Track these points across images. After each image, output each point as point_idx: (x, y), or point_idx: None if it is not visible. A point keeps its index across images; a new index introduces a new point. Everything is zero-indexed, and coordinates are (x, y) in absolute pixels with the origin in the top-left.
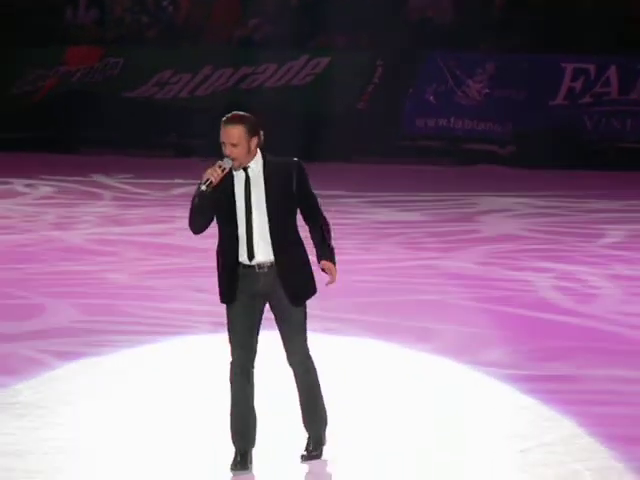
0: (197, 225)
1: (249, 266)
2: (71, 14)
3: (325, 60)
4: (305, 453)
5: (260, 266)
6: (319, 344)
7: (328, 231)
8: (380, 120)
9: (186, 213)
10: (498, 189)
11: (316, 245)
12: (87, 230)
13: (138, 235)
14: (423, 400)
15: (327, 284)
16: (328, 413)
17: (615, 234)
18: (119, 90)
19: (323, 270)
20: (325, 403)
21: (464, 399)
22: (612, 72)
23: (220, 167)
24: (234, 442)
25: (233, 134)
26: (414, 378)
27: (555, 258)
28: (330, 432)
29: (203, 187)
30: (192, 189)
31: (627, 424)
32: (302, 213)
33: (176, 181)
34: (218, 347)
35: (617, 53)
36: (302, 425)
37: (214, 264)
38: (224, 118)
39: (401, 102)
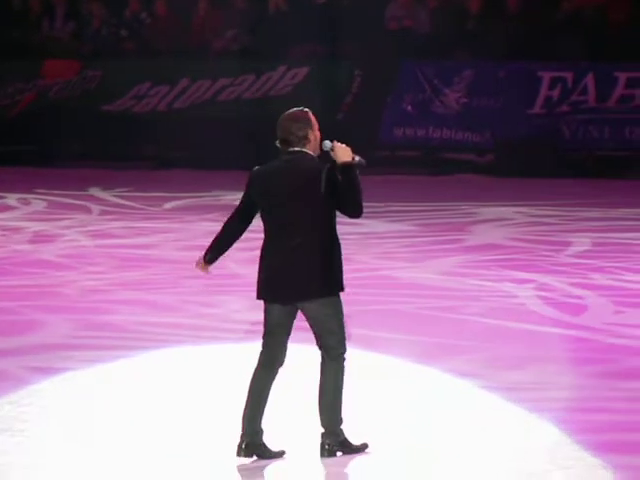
0: None
1: None
2: (48, 27)
3: (303, 70)
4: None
5: None
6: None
7: None
8: (359, 130)
9: (175, 224)
10: (480, 198)
11: None
12: (72, 243)
13: (125, 248)
14: (395, 409)
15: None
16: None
17: (587, 242)
18: (97, 103)
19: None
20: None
21: (443, 409)
22: (589, 80)
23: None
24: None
25: None
26: (379, 386)
27: (526, 267)
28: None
29: (357, 159)
30: (181, 203)
31: (611, 431)
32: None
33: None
34: (200, 359)
35: (594, 61)
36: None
37: (198, 275)
38: (301, 109)
39: (379, 112)
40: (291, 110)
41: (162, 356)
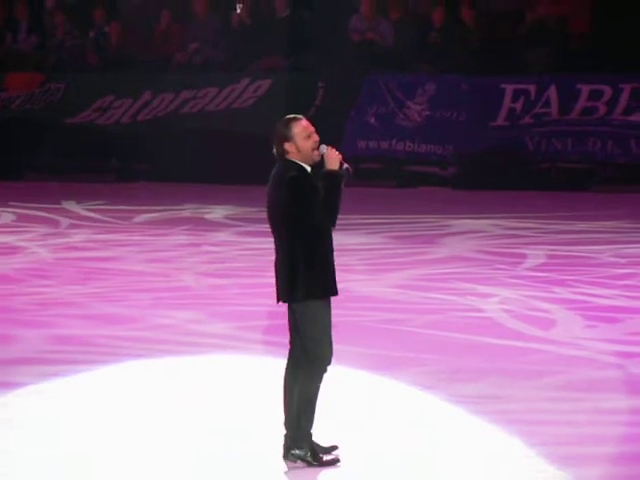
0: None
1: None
2: (11, 40)
3: (266, 83)
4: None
5: None
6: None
7: None
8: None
9: (142, 237)
10: (443, 211)
11: None
12: (32, 257)
13: (87, 260)
14: (350, 420)
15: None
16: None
17: (546, 255)
18: (61, 116)
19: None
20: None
21: (401, 421)
22: (552, 92)
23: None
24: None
25: (309, 124)
26: (334, 397)
27: (488, 280)
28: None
29: (345, 166)
30: (153, 216)
31: (573, 443)
32: None
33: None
34: (159, 371)
35: (557, 73)
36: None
37: (161, 287)
38: (292, 116)
39: (343, 124)
40: (283, 119)
41: (121, 370)
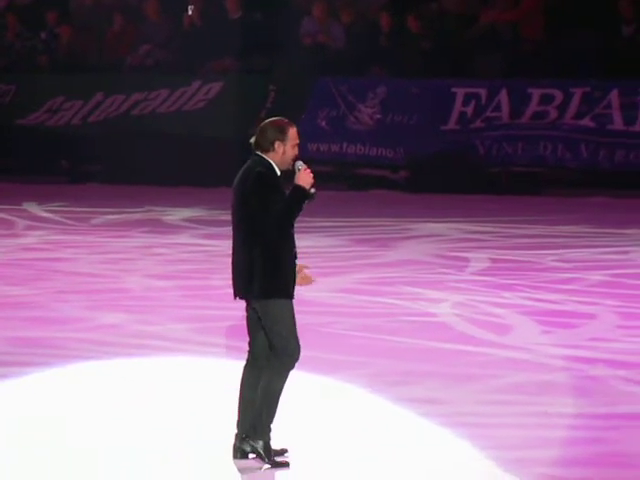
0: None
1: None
2: None
3: (217, 85)
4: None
5: None
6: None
7: None
8: None
9: (101, 238)
10: (391, 214)
11: None
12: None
13: (38, 261)
14: (295, 425)
15: None
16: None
17: (494, 259)
18: (11, 118)
19: None
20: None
21: (352, 425)
22: (503, 96)
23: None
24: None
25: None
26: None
27: (437, 284)
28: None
29: (313, 191)
30: (113, 218)
31: (523, 447)
32: None
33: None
34: (113, 373)
35: (507, 77)
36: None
37: (109, 289)
38: (288, 122)
39: None
40: (277, 118)
41: (72, 372)
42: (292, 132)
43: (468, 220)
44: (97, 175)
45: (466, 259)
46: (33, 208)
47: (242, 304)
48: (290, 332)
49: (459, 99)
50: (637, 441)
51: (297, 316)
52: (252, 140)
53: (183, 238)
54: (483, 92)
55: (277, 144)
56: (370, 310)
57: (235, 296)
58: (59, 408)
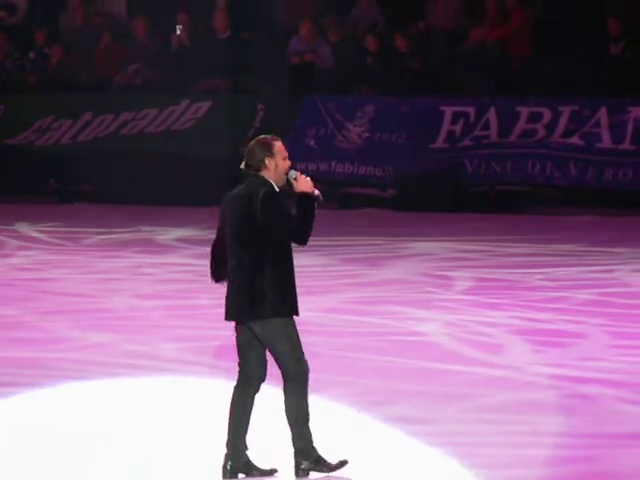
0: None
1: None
2: None
3: (206, 104)
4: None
5: None
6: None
7: None
8: None
9: (92, 258)
10: (379, 233)
11: None
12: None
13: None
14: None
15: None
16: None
17: (476, 278)
18: (0, 137)
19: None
20: None
21: (339, 443)
22: (491, 115)
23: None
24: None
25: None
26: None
27: (426, 303)
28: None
29: (317, 193)
30: (103, 238)
31: (513, 465)
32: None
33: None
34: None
35: (496, 96)
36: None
37: (100, 308)
38: (271, 137)
39: None
40: (261, 136)
41: (61, 392)
42: (278, 146)
43: (457, 239)
44: (86, 195)
45: (454, 278)
46: (24, 228)
47: (231, 324)
48: (296, 348)
49: (447, 118)
50: (626, 460)
51: None
52: (242, 165)
53: (173, 258)
54: (471, 110)
55: (267, 160)
56: (358, 329)
57: (230, 318)
58: (48, 428)
